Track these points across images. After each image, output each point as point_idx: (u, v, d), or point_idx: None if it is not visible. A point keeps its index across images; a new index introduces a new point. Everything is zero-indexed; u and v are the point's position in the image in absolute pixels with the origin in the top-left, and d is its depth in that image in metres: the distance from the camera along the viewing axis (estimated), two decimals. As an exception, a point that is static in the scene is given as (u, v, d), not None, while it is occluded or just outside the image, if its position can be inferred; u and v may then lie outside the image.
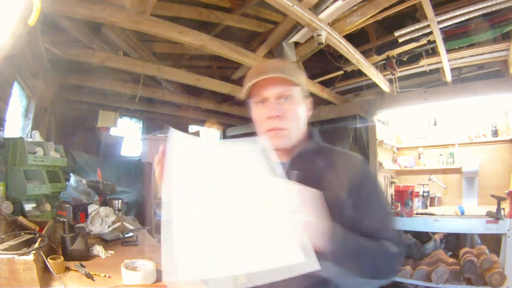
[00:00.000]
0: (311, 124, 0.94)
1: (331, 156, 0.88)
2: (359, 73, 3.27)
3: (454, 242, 2.95)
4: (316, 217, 0.62)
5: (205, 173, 0.63)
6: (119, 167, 3.76)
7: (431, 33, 2.45)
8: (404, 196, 2.83)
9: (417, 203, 3.10)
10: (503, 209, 2.43)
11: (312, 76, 3.55)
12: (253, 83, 0.84)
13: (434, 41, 2.56)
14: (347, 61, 2.95)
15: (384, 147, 3.72)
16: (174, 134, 0.67)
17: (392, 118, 3.93)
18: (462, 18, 2.26)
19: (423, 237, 2.93)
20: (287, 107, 0.84)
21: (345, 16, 2.24)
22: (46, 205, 1.72)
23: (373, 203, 0.81)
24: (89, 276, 0.88)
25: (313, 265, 0.54)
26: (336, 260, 0.65)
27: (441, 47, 2.56)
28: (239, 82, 3.62)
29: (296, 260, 0.54)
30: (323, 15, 2.05)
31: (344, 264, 0.66)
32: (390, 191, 3.51)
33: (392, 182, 3.75)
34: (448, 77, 3.14)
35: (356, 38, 2.70)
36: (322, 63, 3.49)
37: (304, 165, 0.86)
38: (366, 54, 2.85)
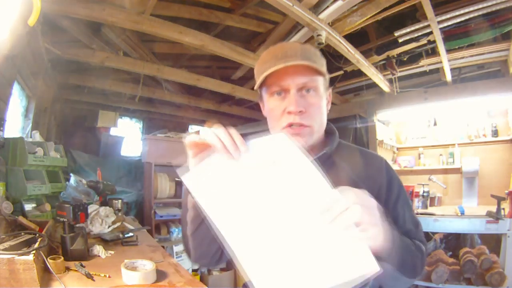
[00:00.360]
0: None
1: (355, 157, 0.82)
2: (359, 73, 3.27)
3: (454, 242, 2.95)
4: (380, 224, 0.55)
5: (247, 195, 0.57)
6: (119, 167, 3.76)
7: (431, 33, 2.45)
8: (404, 196, 2.83)
9: (417, 203, 3.10)
10: (503, 209, 2.43)
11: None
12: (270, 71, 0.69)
13: (434, 41, 2.56)
14: (347, 61, 2.95)
15: (384, 147, 3.72)
16: (187, 179, 0.59)
17: (392, 118, 3.93)
18: (462, 18, 2.26)
19: (423, 237, 2.93)
20: (311, 100, 0.72)
21: (345, 16, 2.24)
22: (46, 205, 1.72)
23: (402, 205, 0.78)
24: (89, 276, 0.88)
25: (376, 268, 0.50)
26: (388, 259, 0.59)
27: (441, 47, 2.56)
28: (239, 82, 3.62)
29: (373, 270, 0.50)
30: (323, 15, 2.05)
31: (394, 264, 0.61)
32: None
33: (392, 182, 3.74)
34: (448, 77, 3.14)
35: (356, 38, 2.70)
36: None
37: (327, 167, 0.77)
38: (366, 54, 2.85)
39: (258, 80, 0.73)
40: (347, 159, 0.79)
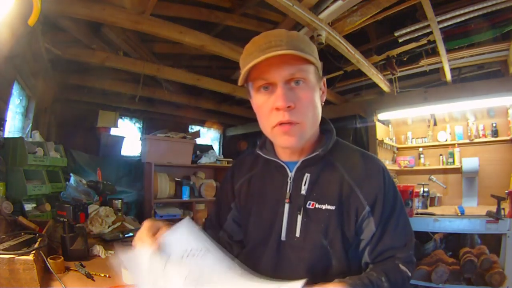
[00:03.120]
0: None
1: (352, 158, 0.76)
2: (359, 73, 3.27)
3: (454, 242, 2.95)
4: None
5: None
6: (119, 167, 3.75)
7: (431, 33, 2.45)
8: (404, 196, 2.83)
9: (417, 203, 3.09)
10: (503, 209, 2.43)
11: (312, 76, 3.54)
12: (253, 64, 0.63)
13: (434, 41, 2.56)
14: (347, 61, 2.95)
15: (384, 147, 3.72)
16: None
17: (392, 118, 3.93)
18: (462, 18, 2.26)
19: (423, 237, 2.93)
20: (300, 93, 0.66)
21: (345, 16, 2.24)
22: (46, 205, 1.72)
23: (396, 219, 0.72)
24: (89, 276, 0.88)
25: None
26: None
27: (441, 47, 2.56)
28: (239, 82, 3.62)
29: None
30: (323, 15, 2.05)
31: None
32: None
33: (392, 182, 3.74)
34: (448, 77, 3.14)
35: (356, 38, 2.70)
36: (322, 63, 3.49)
37: (317, 167, 0.75)
38: (366, 54, 2.85)
39: (242, 74, 0.66)
40: (344, 161, 0.75)
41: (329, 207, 0.72)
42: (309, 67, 0.67)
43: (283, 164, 0.78)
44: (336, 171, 0.74)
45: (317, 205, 0.73)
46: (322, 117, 0.79)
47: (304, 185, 0.74)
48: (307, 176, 0.74)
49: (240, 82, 0.69)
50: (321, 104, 0.74)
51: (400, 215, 0.73)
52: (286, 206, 0.76)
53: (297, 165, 0.76)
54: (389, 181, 0.74)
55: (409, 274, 0.69)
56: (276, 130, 0.68)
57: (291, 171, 0.77)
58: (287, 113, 0.64)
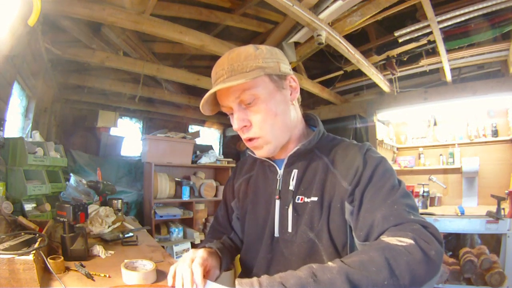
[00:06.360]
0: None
1: (336, 148, 0.77)
2: (359, 73, 3.27)
3: (454, 242, 2.95)
4: None
5: None
6: (119, 167, 3.75)
7: (431, 33, 2.45)
8: (404, 196, 2.82)
9: (417, 203, 3.10)
10: (503, 209, 2.43)
11: (312, 76, 3.55)
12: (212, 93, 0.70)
13: (434, 41, 2.56)
14: (347, 61, 2.96)
15: (384, 147, 3.72)
16: None
17: (392, 118, 3.93)
18: (462, 18, 2.26)
19: (423, 237, 2.92)
20: (254, 111, 0.71)
21: (345, 16, 2.24)
22: (46, 205, 1.72)
23: (369, 192, 0.66)
24: (89, 276, 0.88)
25: None
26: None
27: (441, 47, 2.56)
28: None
29: None
30: (323, 15, 2.05)
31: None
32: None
33: (392, 182, 3.74)
34: (448, 77, 3.15)
35: (356, 38, 2.70)
36: (322, 63, 3.50)
37: (304, 163, 0.78)
38: (366, 54, 2.85)
39: (206, 108, 0.74)
40: (329, 153, 0.76)
41: (314, 198, 0.73)
42: (254, 82, 0.69)
43: (272, 163, 0.82)
44: (322, 164, 0.76)
45: (305, 199, 0.75)
46: (308, 113, 0.85)
47: (292, 180, 0.77)
48: (295, 172, 0.78)
49: (212, 112, 0.77)
50: (296, 103, 0.78)
51: (381, 187, 0.66)
52: (277, 202, 0.79)
53: (284, 162, 0.79)
54: (370, 158, 0.71)
55: (405, 244, 0.52)
56: (247, 144, 0.76)
57: (280, 169, 0.81)
58: (245, 132, 0.73)
